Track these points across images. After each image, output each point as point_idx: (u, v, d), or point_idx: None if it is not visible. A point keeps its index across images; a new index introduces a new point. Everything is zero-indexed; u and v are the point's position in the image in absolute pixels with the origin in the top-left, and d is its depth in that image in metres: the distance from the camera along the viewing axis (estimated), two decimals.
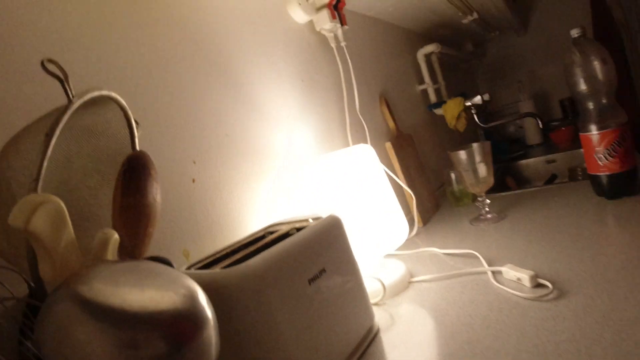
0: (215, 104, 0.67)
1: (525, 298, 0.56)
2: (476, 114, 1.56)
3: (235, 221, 0.66)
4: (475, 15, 1.61)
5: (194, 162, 0.61)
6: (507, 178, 1.61)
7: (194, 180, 0.60)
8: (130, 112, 0.41)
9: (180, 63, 0.63)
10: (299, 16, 0.92)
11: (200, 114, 0.64)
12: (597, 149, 0.81)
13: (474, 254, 0.77)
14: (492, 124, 1.60)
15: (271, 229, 0.62)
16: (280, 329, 0.44)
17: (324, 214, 0.59)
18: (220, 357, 0.44)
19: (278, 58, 0.84)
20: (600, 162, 0.81)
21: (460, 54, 2.02)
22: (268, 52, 0.82)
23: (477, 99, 1.50)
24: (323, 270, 0.52)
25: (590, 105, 0.82)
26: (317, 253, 0.52)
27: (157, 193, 0.38)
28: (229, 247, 0.56)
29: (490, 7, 1.60)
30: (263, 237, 0.59)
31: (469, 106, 1.52)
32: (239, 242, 0.57)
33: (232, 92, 0.71)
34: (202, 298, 0.28)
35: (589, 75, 0.79)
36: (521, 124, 2.11)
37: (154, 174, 0.38)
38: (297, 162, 0.81)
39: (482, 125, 1.58)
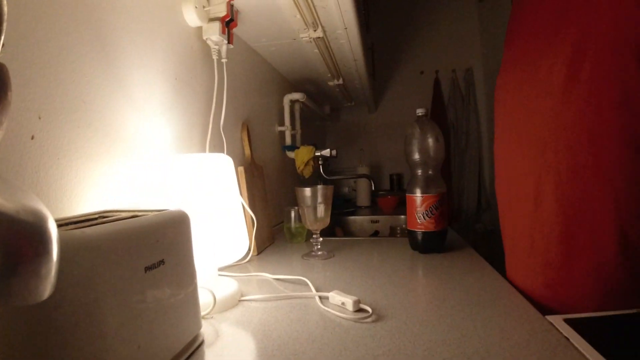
0: (81, 66, 0.60)
1: (347, 319, 0.62)
2: (322, 165, 1.70)
3: (67, 197, 0.57)
4: (341, 80, 1.79)
5: (40, 118, 0.53)
6: (337, 228, 1.76)
7: (32, 137, 0.52)
8: (5, 24, 0.35)
9: (57, 19, 0.56)
10: (191, 19, 0.91)
11: (61, 69, 0.56)
12: (418, 209, 0.96)
13: (303, 280, 0.81)
14: (334, 177, 1.75)
15: (107, 214, 0.56)
16: (105, 312, 0.39)
17: (171, 208, 0.56)
18: (27, 333, 0.37)
19: (159, 48, 0.81)
20: (419, 220, 0.97)
21: (319, 111, 2.20)
22: (152, 40, 0.78)
23: (327, 151, 1.64)
24: (162, 262, 0.49)
25: (420, 172, 0.98)
26: (159, 241, 0.48)
27: (4, 120, 0.32)
28: (56, 220, 0.48)
29: (355, 77, 1.81)
30: (96, 219, 0.53)
31: (318, 156, 1.65)
32: (67, 218, 0.50)
33: (104, 63, 0.65)
34: (53, 225, 0.24)
35: (423, 148, 0.96)
36: (355, 187, 2.35)
37: (10, 97, 0.32)
38: (152, 154, 0.77)
39: (325, 176, 1.72)
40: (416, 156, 0.98)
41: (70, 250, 0.37)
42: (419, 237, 1.00)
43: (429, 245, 1.00)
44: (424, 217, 0.98)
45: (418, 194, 0.98)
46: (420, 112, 1.02)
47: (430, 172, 1.00)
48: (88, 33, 0.62)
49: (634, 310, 0.62)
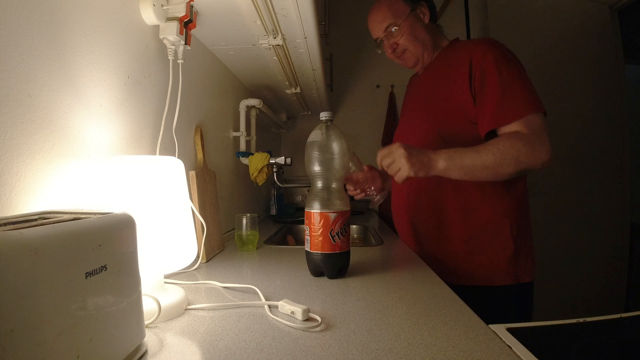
0: (29, 59, 0.57)
1: (296, 328, 0.61)
2: (276, 172, 1.69)
3: (6, 195, 0.53)
4: (298, 89, 1.80)
5: None
6: (288, 237, 1.75)
7: None
8: None
9: (5, 9, 0.52)
10: (149, 17, 0.88)
11: (7, 60, 0.53)
12: (333, 227, 0.96)
13: (253, 289, 0.80)
14: (288, 185, 1.75)
15: (47, 215, 0.53)
16: (42, 320, 0.36)
17: (116, 211, 0.54)
18: None
19: (113, 44, 0.78)
20: (334, 241, 0.95)
21: (275, 119, 2.19)
22: (105, 35, 0.76)
23: (281, 159, 1.64)
24: (104, 267, 0.46)
25: (334, 185, 0.99)
26: (102, 245, 0.45)
27: None
28: None
29: (312, 87, 1.82)
30: (36, 220, 0.49)
31: (273, 163, 1.64)
32: (5, 218, 0.47)
33: (53, 56, 0.61)
34: None
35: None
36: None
37: None
38: (99, 153, 0.73)
39: (279, 184, 1.72)
40: (316, 168, 0.91)
41: (6, 252, 0.35)
42: (334, 259, 0.90)
43: (342, 267, 0.93)
44: (338, 236, 0.90)
45: (331, 209, 0.89)
46: (324, 116, 0.92)
47: (334, 185, 0.93)
48: (38, 24, 0.59)
49: (574, 321, 0.66)
